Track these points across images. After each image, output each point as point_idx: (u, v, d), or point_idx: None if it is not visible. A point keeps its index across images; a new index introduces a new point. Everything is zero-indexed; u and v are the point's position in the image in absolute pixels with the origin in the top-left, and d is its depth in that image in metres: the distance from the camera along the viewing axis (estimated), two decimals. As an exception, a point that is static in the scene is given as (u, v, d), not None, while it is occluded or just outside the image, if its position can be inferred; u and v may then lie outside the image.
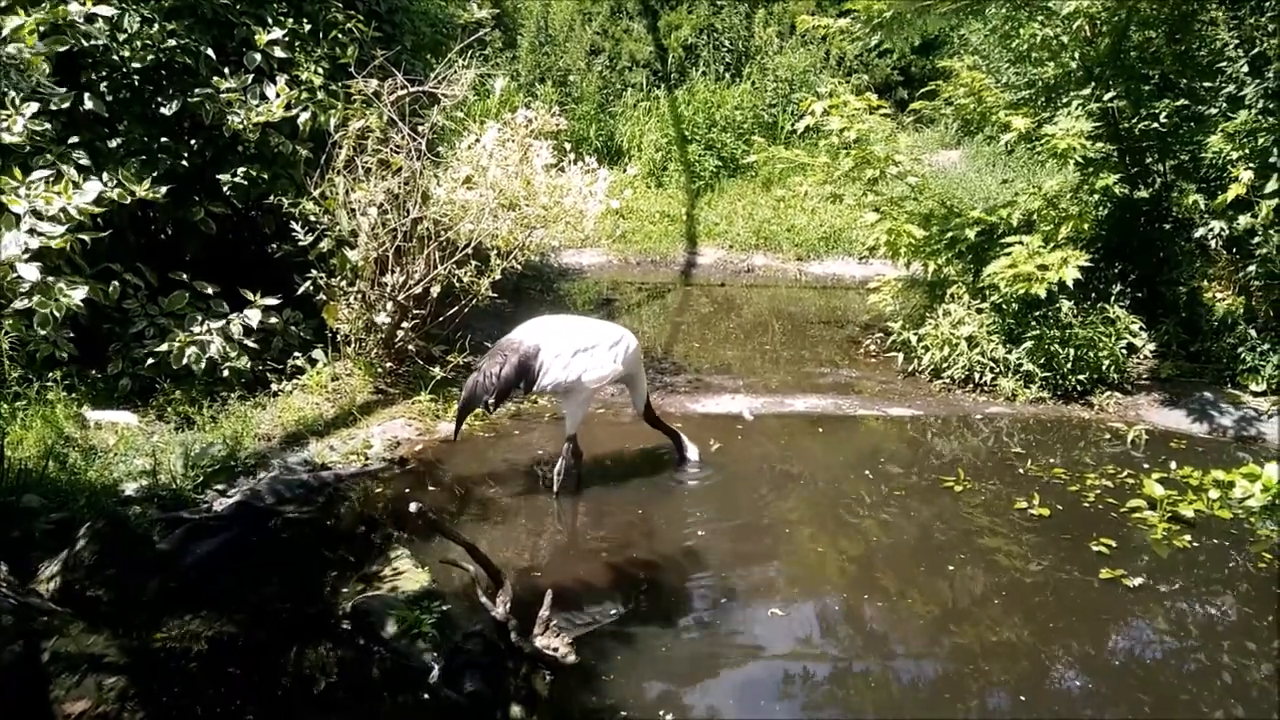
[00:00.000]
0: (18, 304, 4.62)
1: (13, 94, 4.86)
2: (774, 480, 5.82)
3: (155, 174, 5.90)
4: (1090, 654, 4.19)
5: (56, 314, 4.66)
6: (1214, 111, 7.11)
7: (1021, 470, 5.94)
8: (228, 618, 3.98)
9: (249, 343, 6.28)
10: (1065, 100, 7.66)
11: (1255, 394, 6.94)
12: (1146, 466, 5.95)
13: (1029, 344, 7.11)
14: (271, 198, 6.46)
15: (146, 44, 5.92)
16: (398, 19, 7.70)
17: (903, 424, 6.88)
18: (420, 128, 6.60)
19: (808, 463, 6.10)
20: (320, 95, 6.48)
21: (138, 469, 5.15)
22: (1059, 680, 4.04)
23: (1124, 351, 7.22)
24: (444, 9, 8.80)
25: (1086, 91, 7.49)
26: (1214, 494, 5.45)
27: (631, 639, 4.19)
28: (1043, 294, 6.89)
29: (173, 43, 6.01)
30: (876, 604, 4.55)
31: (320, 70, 6.53)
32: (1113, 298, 7.43)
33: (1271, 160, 6.58)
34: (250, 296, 6.36)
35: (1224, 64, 7.09)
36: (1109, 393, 7.11)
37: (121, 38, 5.83)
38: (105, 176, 5.53)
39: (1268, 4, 7.06)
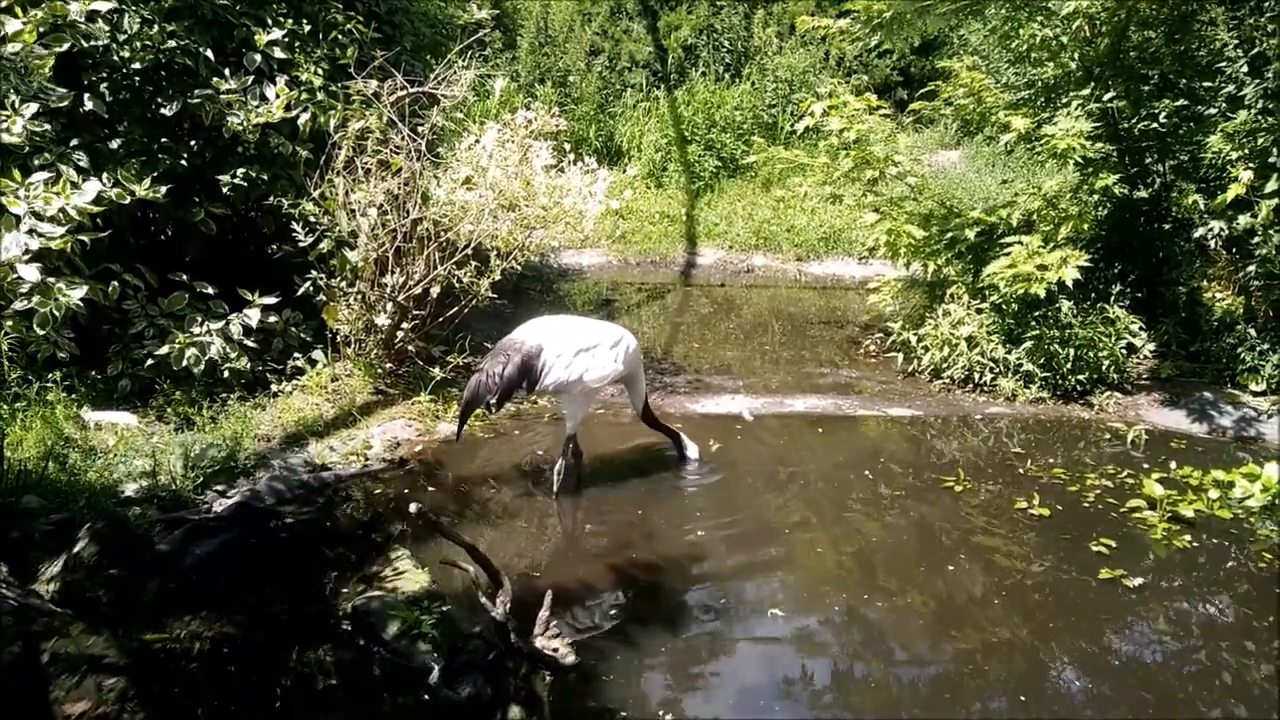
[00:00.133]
0: (17, 304, 4.62)
1: (13, 95, 4.86)
2: (774, 481, 5.82)
3: (155, 174, 5.90)
4: (1090, 654, 4.19)
5: (56, 314, 4.66)
6: (1213, 111, 7.11)
7: (1021, 470, 5.94)
8: (228, 618, 3.98)
9: (249, 343, 6.28)
10: (1065, 100, 7.66)
11: (1255, 394, 6.94)
12: (1146, 466, 5.95)
13: (1029, 344, 7.12)
14: (271, 198, 6.46)
15: (146, 45, 5.92)
16: (397, 20, 7.70)
17: (902, 424, 6.88)
18: (420, 128, 6.60)
19: (807, 463, 6.10)
20: (320, 96, 6.48)
21: (137, 470, 5.15)
22: (1059, 680, 4.04)
23: (1124, 351, 7.23)
24: (444, 10, 8.80)
25: (1086, 92, 7.49)
26: (1214, 494, 5.45)
27: (631, 640, 4.19)
28: (1042, 294, 6.90)
29: (173, 43, 6.01)
30: (876, 604, 4.55)
31: (320, 71, 6.53)
32: (1112, 298, 7.43)
33: (1271, 160, 6.58)
34: (249, 296, 6.35)
35: (1223, 64, 7.09)
36: (1109, 393, 7.11)
37: (121, 38, 5.83)
38: (105, 177, 5.54)
39: (1267, 4, 7.07)
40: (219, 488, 5.28)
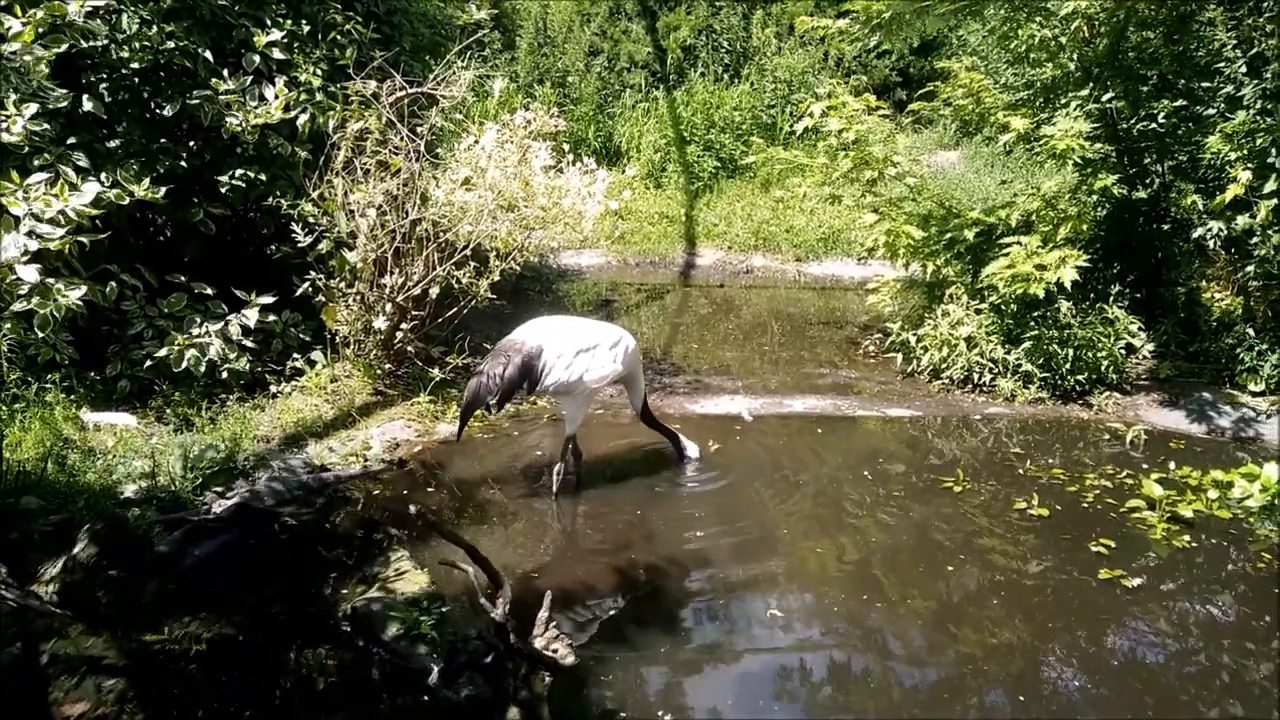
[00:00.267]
0: (16, 306, 4.62)
1: (12, 95, 4.85)
2: (773, 481, 5.82)
3: (154, 175, 5.89)
4: (1089, 654, 4.19)
5: (56, 315, 4.65)
6: (1212, 112, 7.13)
7: (1020, 471, 5.94)
8: (227, 619, 3.98)
9: (248, 344, 6.27)
10: (1064, 101, 7.67)
11: (1254, 394, 6.95)
12: (1145, 467, 5.95)
13: (1028, 344, 7.12)
14: (270, 199, 6.46)
15: (145, 45, 5.91)
16: (396, 20, 7.70)
17: (902, 425, 6.88)
18: (419, 129, 6.60)
19: (807, 463, 6.10)
20: (319, 97, 6.48)
21: (137, 471, 5.14)
22: (1058, 680, 4.04)
23: (1123, 352, 7.23)
24: (442, 10, 8.80)
25: (1085, 92, 7.50)
26: (1213, 494, 5.46)
27: (630, 640, 4.19)
28: (1041, 294, 6.90)
29: (171, 44, 6.01)
30: (876, 604, 4.55)
31: (319, 72, 6.53)
32: (1111, 298, 7.44)
33: (1269, 160, 6.59)
34: (246, 296, 6.35)
35: (1222, 64, 7.10)
36: (1108, 393, 7.12)
37: (120, 38, 5.83)
38: (104, 177, 5.53)
39: (1266, 4, 7.07)
40: (218, 489, 5.28)
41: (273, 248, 6.72)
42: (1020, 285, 6.95)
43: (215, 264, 6.58)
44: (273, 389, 6.44)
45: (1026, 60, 8.29)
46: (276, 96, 6.25)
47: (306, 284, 6.61)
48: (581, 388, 5.33)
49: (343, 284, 6.62)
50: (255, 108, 6.19)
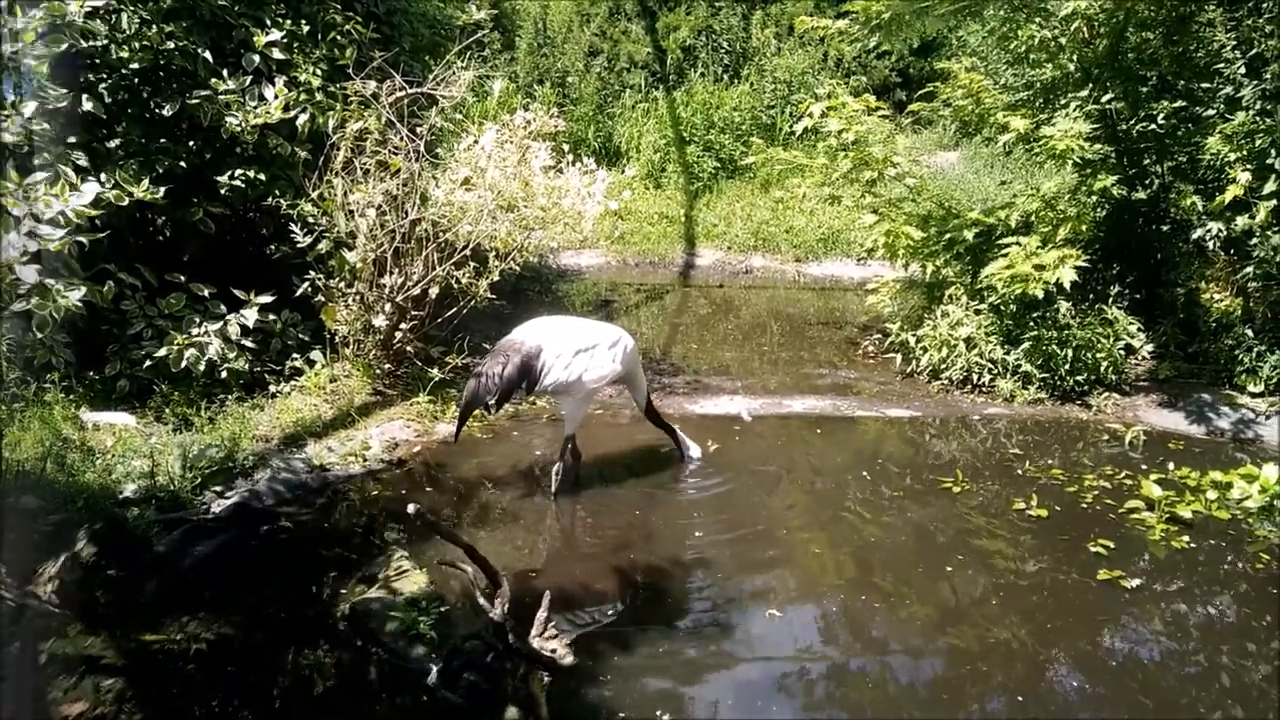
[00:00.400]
0: (16, 306, 4.62)
1: (11, 94, 4.85)
2: (772, 481, 5.82)
3: (153, 175, 5.90)
4: (1088, 654, 4.20)
5: (55, 315, 4.65)
6: (1212, 113, 7.13)
7: (1020, 471, 5.95)
8: (226, 619, 3.98)
9: (247, 344, 6.27)
10: (1063, 102, 7.67)
11: (1253, 395, 6.95)
12: (1144, 467, 5.95)
13: (1027, 345, 7.12)
14: (270, 199, 6.46)
15: (145, 45, 5.92)
16: (396, 20, 7.71)
17: (901, 425, 6.89)
18: (418, 129, 6.60)
19: (806, 464, 6.10)
20: (319, 97, 6.48)
21: (136, 470, 5.14)
22: (1057, 681, 4.04)
23: (1122, 352, 7.24)
24: (442, 10, 8.81)
25: (1084, 93, 7.50)
26: (1212, 495, 5.46)
27: (629, 640, 4.19)
28: (1040, 295, 6.90)
29: (171, 44, 6.01)
30: (874, 605, 4.55)
31: (319, 72, 6.53)
32: (1111, 299, 7.44)
33: (1269, 161, 6.59)
34: (245, 296, 6.34)
35: (1221, 65, 7.10)
36: (1107, 394, 7.12)
37: (120, 38, 5.83)
38: (103, 177, 5.52)
39: (1265, 5, 7.07)
40: (217, 488, 5.28)
41: (272, 247, 6.72)
42: (1019, 286, 6.95)
43: (214, 264, 6.58)
44: (272, 389, 6.44)
45: (1026, 61, 8.29)
46: (276, 96, 6.25)
47: (306, 284, 6.61)
48: (580, 388, 5.34)
49: (342, 284, 6.62)
50: (255, 108, 6.19)
